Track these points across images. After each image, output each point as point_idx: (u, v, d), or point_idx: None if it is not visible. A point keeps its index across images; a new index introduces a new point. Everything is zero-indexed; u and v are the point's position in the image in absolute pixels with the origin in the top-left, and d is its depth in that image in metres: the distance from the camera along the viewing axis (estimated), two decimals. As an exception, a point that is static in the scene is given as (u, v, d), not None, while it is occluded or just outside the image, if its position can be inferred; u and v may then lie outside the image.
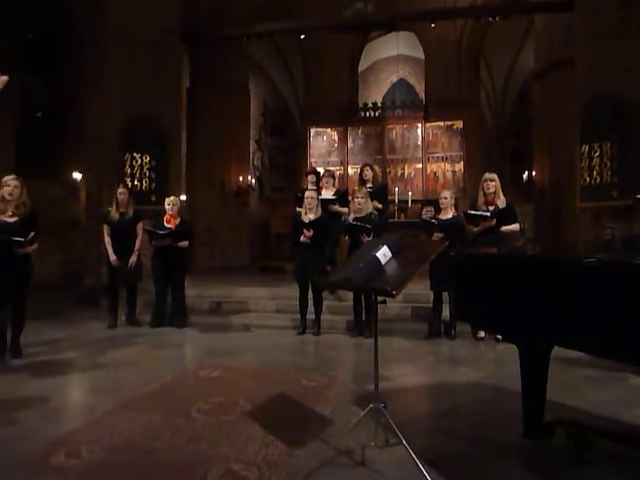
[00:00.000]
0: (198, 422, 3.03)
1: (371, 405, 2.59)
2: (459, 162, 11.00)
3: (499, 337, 4.87)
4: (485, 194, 5.13)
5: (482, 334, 5.24)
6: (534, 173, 10.48)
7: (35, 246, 4.61)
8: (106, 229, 5.99)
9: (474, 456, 2.60)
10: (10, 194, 4.46)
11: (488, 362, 4.53)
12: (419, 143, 11.31)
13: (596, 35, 6.72)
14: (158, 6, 7.76)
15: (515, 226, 5.16)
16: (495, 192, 5.10)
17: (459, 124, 11.02)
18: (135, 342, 5.35)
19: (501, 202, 5.11)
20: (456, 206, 5.65)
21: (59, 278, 8.80)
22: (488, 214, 5.02)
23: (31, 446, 2.67)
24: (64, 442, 2.72)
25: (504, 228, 5.07)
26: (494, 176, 5.17)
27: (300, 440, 2.73)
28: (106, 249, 5.98)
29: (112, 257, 5.92)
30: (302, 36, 10.16)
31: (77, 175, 9.09)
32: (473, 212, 5.15)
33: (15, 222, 4.50)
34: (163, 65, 7.83)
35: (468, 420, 3.11)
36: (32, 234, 4.46)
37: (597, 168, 6.72)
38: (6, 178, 4.54)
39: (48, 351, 4.85)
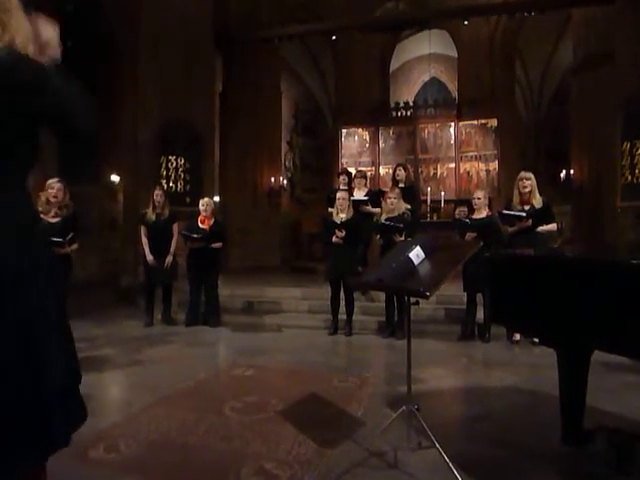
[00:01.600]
0: (231, 420, 3.07)
1: (403, 407, 2.56)
2: (493, 161, 10.80)
3: (535, 340, 4.75)
4: (520, 193, 5.02)
5: (517, 337, 5.12)
6: (572, 171, 10.18)
7: (75, 246, 4.80)
8: (143, 230, 6.15)
9: (509, 462, 2.54)
10: (55, 197, 4.69)
11: (524, 366, 4.42)
12: (452, 142, 11.17)
13: (637, 28, 6.49)
14: (191, 10, 7.91)
15: (552, 226, 5.03)
16: (531, 191, 4.98)
17: (493, 122, 10.84)
18: (170, 340, 5.47)
19: (537, 201, 4.98)
20: (490, 206, 5.54)
21: (98, 277, 9.07)
22: (523, 214, 4.90)
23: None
24: (103, 437, 2.80)
25: (541, 228, 4.95)
26: (530, 175, 5.05)
27: (332, 440, 2.73)
28: (143, 249, 6.14)
29: (149, 257, 6.08)
30: (333, 37, 10.16)
31: (115, 177, 9.35)
32: (508, 212, 5.04)
33: (57, 223, 4.71)
34: (196, 68, 7.97)
35: (503, 425, 3.04)
36: (71, 235, 4.65)
37: (639, 166, 6.49)
38: (50, 181, 4.75)
39: (87, 348, 4.99)
